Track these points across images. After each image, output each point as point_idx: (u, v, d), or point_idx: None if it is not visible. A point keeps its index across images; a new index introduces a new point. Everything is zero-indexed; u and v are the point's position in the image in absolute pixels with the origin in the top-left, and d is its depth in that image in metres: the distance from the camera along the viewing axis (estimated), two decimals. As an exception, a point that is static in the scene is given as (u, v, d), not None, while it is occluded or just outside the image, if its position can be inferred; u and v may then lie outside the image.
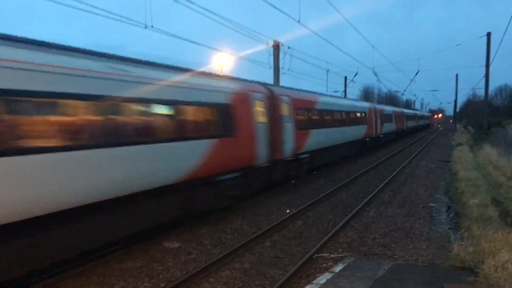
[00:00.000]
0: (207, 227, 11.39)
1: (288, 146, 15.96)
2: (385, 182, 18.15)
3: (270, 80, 25.47)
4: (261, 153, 13.79)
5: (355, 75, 49.62)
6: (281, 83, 25.76)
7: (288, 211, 13.03)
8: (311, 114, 19.11)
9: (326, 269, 8.23)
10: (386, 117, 39.48)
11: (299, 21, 18.83)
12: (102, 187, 7.72)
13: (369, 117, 31.02)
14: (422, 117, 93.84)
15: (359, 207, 13.38)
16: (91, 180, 7.47)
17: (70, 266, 8.16)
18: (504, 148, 27.61)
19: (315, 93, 21.36)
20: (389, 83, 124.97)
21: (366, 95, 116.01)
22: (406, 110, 62.57)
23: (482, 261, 7.68)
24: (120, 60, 8.75)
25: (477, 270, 7.56)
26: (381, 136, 36.29)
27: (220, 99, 11.39)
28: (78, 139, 7.34)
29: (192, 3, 14.35)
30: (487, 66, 38.69)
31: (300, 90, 19.54)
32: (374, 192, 15.86)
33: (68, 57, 7.48)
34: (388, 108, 44.96)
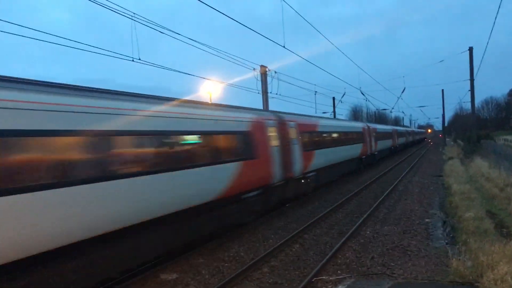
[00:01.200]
0: (204, 256, 11.27)
1: None
2: (379, 200, 18.14)
3: (260, 104, 25.76)
4: None
5: (343, 95, 50.15)
6: (270, 107, 25.94)
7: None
8: None
9: (326, 292, 8.15)
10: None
11: (284, 46, 19.10)
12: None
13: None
14: (418, 133, 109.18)
15: (355, 227, 13.34)
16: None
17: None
18: (494, 159, 27.83)
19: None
20: (377, 102, 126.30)
21: (355, 114, 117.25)
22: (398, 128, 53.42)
23: (481, 275, 7.67)
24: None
25: (477, 284, 7.54)
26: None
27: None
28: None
29: (178, 34, 14.53)
30: (471, 80, 39.34)
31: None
32: (369, 211, 15.84)
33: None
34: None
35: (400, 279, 8.70)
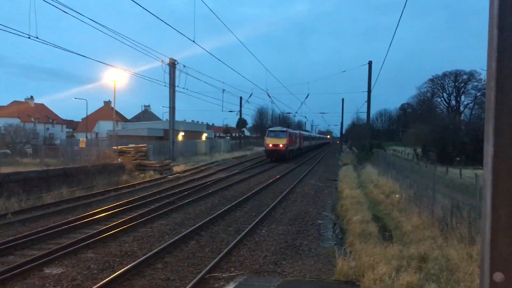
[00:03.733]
0: (95, 250, 10.81)
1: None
2: (277, 200, 18.69)
3: (166, 97, 25.39)
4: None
5: (250, 95, 51.52)
6: (177, 101, 25.68)
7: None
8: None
9: (218, 289, 8.20)
10: None
11: (193, 41, 18.95)
12: (315, 143, 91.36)
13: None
14: (323, 138, 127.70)
15: (251, 225, 13.60)
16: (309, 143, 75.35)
17: None
18: (383, 167, 29.96)
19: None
20: (282, 105, 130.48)
21: (261, 115, 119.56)
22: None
23: (363, 275, 8.20)
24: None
25: (358, 283, 8.05)
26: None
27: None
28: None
29: (83, 15, 13.78)
30: (369, 91, 42.04)
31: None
32: (267, 210, 16.25)
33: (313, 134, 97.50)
34: None
35: (289, 277, 9.03)
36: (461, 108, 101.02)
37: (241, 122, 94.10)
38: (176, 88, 27.22)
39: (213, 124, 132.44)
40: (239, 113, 72.23)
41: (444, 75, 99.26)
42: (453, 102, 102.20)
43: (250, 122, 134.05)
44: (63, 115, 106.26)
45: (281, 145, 45.14)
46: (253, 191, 21.54)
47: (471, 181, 19.49)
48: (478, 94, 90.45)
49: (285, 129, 49.87)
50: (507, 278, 1.60)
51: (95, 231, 12.44)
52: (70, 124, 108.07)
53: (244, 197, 19.61)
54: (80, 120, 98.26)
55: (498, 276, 1.61)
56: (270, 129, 49.54)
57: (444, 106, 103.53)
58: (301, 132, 66.54)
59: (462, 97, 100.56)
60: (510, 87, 1.57)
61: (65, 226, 13.18)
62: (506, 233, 1.62)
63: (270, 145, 45.36)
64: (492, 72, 1.60)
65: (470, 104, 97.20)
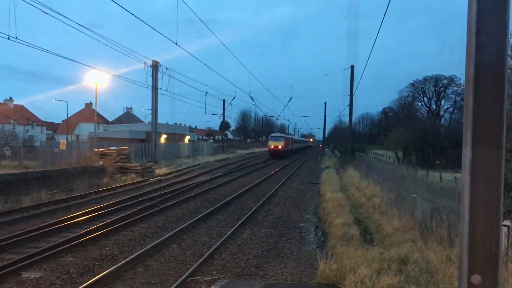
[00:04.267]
0: (74, 254, 10.65)
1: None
2: (259, 203, 18.69)
3: (149, 100, 25.29)
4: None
5: (233, 98, 51.64)
6: (160, 103, 25.51)
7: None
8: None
9: (200, 293, 8.15)
10: None
11: (176, 43, 18.88)
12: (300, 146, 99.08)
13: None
14: (307, 141, 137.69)
15: (234, 228, 13.57)
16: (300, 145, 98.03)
17: None
18: (365, 171, 30.19)
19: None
20: (265, 108, 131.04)
21: (244, 118, 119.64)
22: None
23: (344, 277, 8.24)
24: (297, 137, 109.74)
25: (339, 286, 8.09)
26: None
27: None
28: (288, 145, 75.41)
29: (64, 16, 13.63)
30: (351, 95, 42.39)
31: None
32: (249, 213, 16.24)
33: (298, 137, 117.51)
34: None
35: (271, 280, 9.02)
36: (441, 112, 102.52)
37: (224, 125, 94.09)
38: (159, 91, 27.17)
39: (196, 126, 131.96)
40: (222, 116, 72.21)
41: (425, 79, 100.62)
42: (434, 107, 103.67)
43: (233, 125, 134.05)
44: (43, 117, 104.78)
45: (280, 147, 60.01)
46: (236, 194, 21.51)
47: (451, 184, 19.76)
48: (458, 98, 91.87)
49: (282, 134, 68.04)
50: (485, 280, 1.63)
51: (75, 235, 12.26)
52: (51, 126, 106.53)
53: (226, 200, 19.56)
54: (61, 122, 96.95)
55: (476, 278, 1.63)
56: (272, 134, 66.69)
57: (425, 110, 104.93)
58: (292, 136, 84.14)
59: (442, 102, 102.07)
60: (487, 92, 1.60)
61: (44, 230, 12.97)
62: (484, 236, 1.64)
63: (272, 147, 60.43)
64: (470, 77, 1.63)
65: (450, 109, 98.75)
